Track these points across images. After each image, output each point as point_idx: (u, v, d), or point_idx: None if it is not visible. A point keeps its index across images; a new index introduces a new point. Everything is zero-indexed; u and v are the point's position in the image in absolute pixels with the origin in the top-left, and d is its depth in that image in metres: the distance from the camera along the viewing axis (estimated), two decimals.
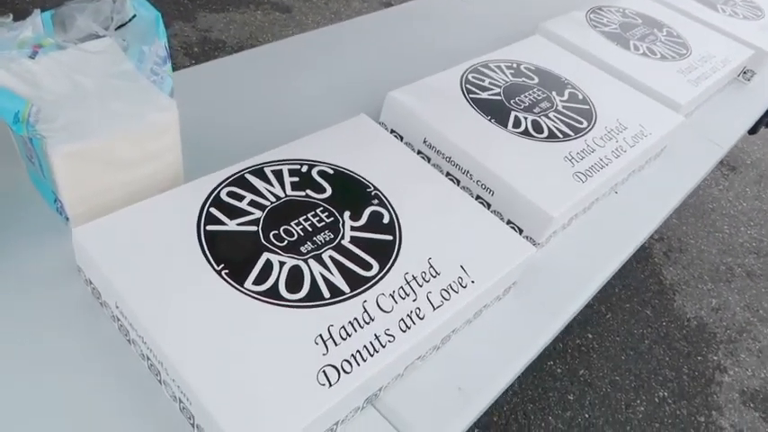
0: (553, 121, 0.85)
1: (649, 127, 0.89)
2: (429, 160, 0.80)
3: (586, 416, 1.44)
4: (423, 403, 0.57)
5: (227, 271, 0.54)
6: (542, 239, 0.74)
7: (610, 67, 1.03)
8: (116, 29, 0.58)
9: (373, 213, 0.64)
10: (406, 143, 0.82)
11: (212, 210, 0.59)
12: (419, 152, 0.81)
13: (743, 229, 2.21)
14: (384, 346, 0.52)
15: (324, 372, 0.49)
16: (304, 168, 0.67)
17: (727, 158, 2.57)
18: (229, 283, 0.53)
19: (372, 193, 0.66)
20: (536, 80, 0.93)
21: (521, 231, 0.74)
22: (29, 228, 0.62)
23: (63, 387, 0.51)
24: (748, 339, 1.79)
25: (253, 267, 0.55)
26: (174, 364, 0.47)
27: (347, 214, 0.63)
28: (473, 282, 0.60)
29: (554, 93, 0.91)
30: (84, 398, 0.51)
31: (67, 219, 0.60)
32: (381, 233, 0.62)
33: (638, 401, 1.52)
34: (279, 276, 0.55)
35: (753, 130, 1.36)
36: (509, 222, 0.75)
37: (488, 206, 0.76)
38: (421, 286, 0.58)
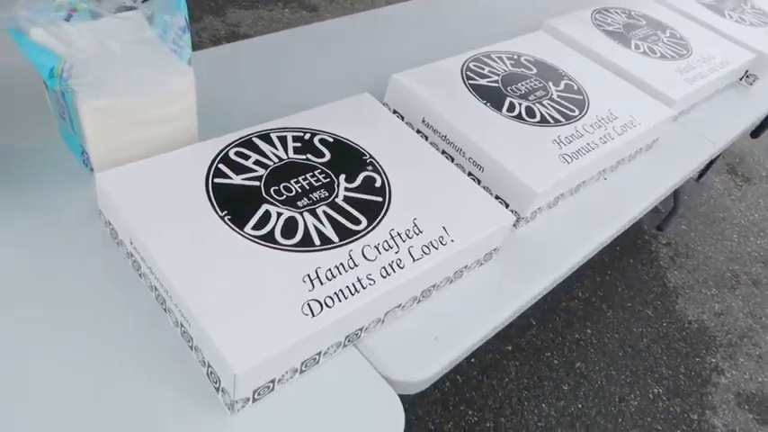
0: (546, 108, 0.90)
1: (639, 118, 0.94)
2: (427, 139, 0.86)
3: (579, 406, 1.48)
4: (401, 347, 0.63)
5: (229, 217, 0.61)
6: (527, 214, 0.80)
7: (608, 62, 1.08)
8: (143, 1, 0.65)
9: (367, 177, 0.70)
10: (406, 123, 0.88)
11: (221, 166, 0.66)
12: (418, 131, 0.87)
13: (752, 239, 2.22)
14: (365, 288, 0.58)
15: (308, 304, 0.55)
16: (307, 136, 0.73)
17: (742, 170, 2.58)
18: (231, 227, 0.60)
19: (368, 161, 0.72)
20: (534, 71, 0.98)
21: (507, 206, 0.80)
22: (58, 178, 0.70)
23: (80, 314, 0.58)
24: (749, 345, 1.81)
25: (253, 215, 0.62)
26: (178, 291, 0.54)
27: (342, 177, 0.69)
28: (453, 241, 0.65)
29: (550, 83, 0.96)
30: (98, 323, 0.58)
31: (92, 170, 0.67)
32: (372, 195, 0.68)
33: (632, 396, 1.55)
34: (275, 224, 0.61)
35: (755, 134, 1.39)
36: (497, 197, 0.80)
37: (479, 182, 0.82)
38: (404, 241, 0.64)
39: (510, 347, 1.55)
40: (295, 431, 0.55)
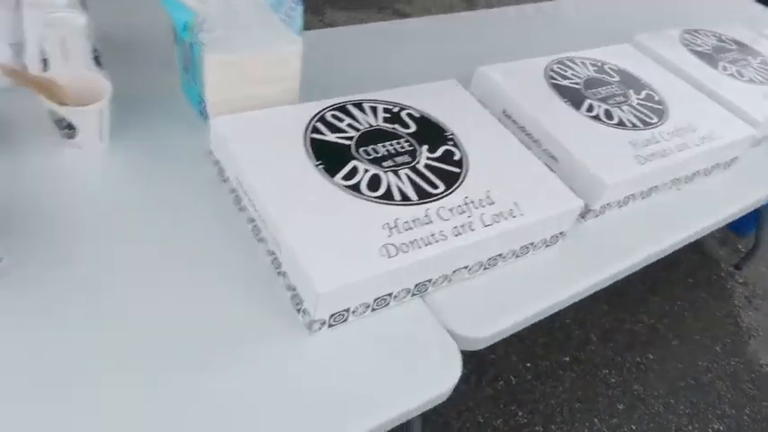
0: (625, 112, 0.93)
1: (719, 133, 0.95)
2: None
3: (633, 427, 1.46)
4: (462, 306, 0.68)
5: (323, 166, 0.68)
6: (596, 207, 0.83)
7: (693, 79, 1.09)
8: None
9: (447, 151, 0.76)
10: None
11: (318, 124, 0.74)
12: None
13: None
14: (437, 242, 0.64)
15: (386, 247, 0.61)
16: (396, 109, 0.80)
17: None
18: (323, 175, 0.67)
19: (449, 136, 0.78)
20: (616, 78, 1.02)
21: None
22: (177, 124, 0.80)
23: (188, 240, 0.67)
24: None
25: (342, 168, 0.69)
26: (274, 221, 0.61)
27: (425, 147, 0.75)
28: (522, 215, 0.70)
29: (631, 91, 0.99)
30: (202, 250, 0.66)
31: (207, 117, 0.76)
32: (451, 166, 0.74)
33: (691, 428, 1.52)
34: (362, 178, 0.68)
35: None
36: None
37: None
38: (477, 209, 0.69)
39: (567, 359, 1.55)
40: (360, 360, 0.61)
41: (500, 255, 0.72)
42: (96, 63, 0.73)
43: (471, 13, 1.36)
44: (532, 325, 0.74)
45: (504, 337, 0.71)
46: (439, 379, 0.62)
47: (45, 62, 0.69)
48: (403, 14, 2.89)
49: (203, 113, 0.77)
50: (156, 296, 0.60)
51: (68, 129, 0.68)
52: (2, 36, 0.74)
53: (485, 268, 0.72)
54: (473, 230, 0.66)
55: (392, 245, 0.62)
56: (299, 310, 0.61)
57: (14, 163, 0.68)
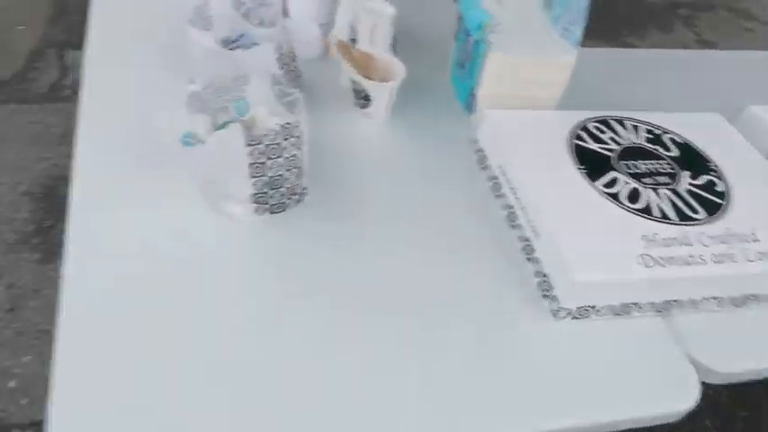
0: None
1: None
2: None
3: None
4: (704, 336, 0.65)
5: (586, 171, 0.70)
6: None
7: None
8: None
9: (710, 180, 0.74)
10: None
11: (581, 132, 0.76)
12: None
13: None
14: (696, 264, 0.63)
15: (644, 256, 0.62)
16: (658, 131, 0.80)
17: None
18: (586, 179, 0.69)
19: (712, 167, 0.76)
20: None
21: None
22: (444, 112, 0.87)
23: (445, 216, 0.72)
24: None
25: (603, 176, 0.70)
26: (538, 208, 0.65)
27: (686, 173, 0.74)
28: None
29: None
30: (455, 229, 0.71)
31: (473, 111, 0.82)
32: (713, 196, 0.72)
33: None
34: (621, 189, 0.69)
35: None
36: None
37: None
38: (739, 243, 0.66)
39: None
40: (593, 359, 0.61)
41: (754, 295, 0.68)
42: (393, 49, 0.82)
43: (723, 52, 1.29)
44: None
45: (742, 380, 0.67)
46: (669, 401, 0.61)
47: (353, 41, 0.80)
48: (632, 47, 2.82)
49: (469, 107, 0.83)
50: (408, 262, 0.66)
51: (364, 99, 0.77)
52: (315, 17, 0.86)
53: (735, 305, 0.68)
54: (735, 262, 0.64)
55: (650, 256, 0.62)
56: (545, 296, 0.63)
57: (320, 120, 0.79)
